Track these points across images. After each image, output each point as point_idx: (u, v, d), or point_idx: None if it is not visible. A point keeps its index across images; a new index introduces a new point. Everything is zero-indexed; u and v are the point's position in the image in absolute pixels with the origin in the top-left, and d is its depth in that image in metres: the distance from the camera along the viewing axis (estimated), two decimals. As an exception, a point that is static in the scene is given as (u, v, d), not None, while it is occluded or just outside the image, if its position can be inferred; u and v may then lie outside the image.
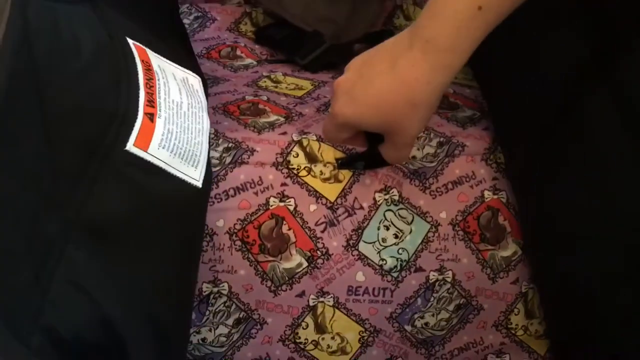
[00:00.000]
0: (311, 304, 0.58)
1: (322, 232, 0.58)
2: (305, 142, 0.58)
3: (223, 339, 0.57)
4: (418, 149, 0.60)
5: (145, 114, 0.46)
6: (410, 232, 0.59)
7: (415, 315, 0.61)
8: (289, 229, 0.57)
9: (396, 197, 0.60)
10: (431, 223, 0.60)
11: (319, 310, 0.59)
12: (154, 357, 0.48)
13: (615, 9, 0.56)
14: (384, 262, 0.59)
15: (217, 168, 0.56)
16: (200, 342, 0.57)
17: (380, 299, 0.60)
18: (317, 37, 0.74)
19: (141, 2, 0.60)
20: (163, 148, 0.47)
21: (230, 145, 0.57)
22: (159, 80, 0.50)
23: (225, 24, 0.80)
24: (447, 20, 0.49)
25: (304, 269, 0.58)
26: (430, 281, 0.60)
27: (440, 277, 0.60)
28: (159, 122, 0.47)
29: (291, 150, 0.58)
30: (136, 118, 0.46)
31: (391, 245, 0.59)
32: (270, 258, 0.57)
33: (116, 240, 0.46)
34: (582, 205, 0.56)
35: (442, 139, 0.61)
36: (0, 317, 0.42)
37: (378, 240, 0.59)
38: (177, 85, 0.52)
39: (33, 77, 0.46)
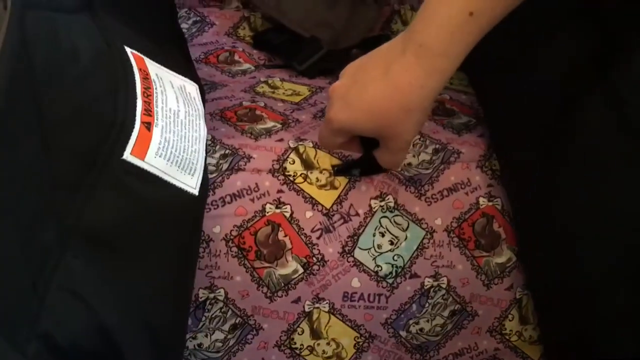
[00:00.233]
0: (307, 310, 0.59)
1: (318, 238, 0.58)
2: (301, 149, 0.59)
3: (219, 344, 0.58)
4: (414, 156, 0.61)
5: (143, 122, 0.46)
6: (406, 238, 0.60)
7: (410, 321, 0.61)
8: (285, 236, 0.58)
9: (392, 204, 0.60)
10: (426, 230, 0.60)
11: (315, 316, 0.59)
12: None
13: (610, 10, 0.56)
14: (380, 268, 0.60)
15: (214, 175, 0.57)
16: (197, 347, 0.57)
17: (375, 305, 0.60)
18: (315, 42, 0.74)
19: (140, 9, 0.60)
20: (160, 157, 0.47)
21: (227, 152, 0.57)
22: (156, 89, 0.50)
23: (223, 29, 0.80)
24: (440, 25, 0.49)
25: (299, 275, 0.58)
26: (425, 287, 0.61)
27: (435, 284, 0.61)
28: (156, 131, 0.47)
29: (287, 157, 0.58)
30: (133, 127, 0.46)
31: (386, 252, 0.60)
32: (266, 264, 0.57)
33: (113, 248, 0.47)
34: (582, 205, 0.56)
35: (437, 146, 0.61)
36: None
37: (373, 246, 0.60)
38: (174, 94, 0.52)
39: (31, 85, 0.46)
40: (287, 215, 0.58)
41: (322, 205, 0.59)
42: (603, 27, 0.56)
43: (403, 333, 0.61)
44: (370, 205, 0.59)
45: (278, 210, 0.58)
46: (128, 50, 0.50)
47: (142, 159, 0.46)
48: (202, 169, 0.50)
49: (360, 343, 0.61)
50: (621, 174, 0.54)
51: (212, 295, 0.57)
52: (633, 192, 0.54)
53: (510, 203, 0.62)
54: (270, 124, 0.61)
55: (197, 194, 0.49)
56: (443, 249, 0.61)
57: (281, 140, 0.58)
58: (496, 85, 0.63)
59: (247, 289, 0.57)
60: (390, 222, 0.60)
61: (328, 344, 0.60)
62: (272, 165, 0.58)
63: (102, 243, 0.46)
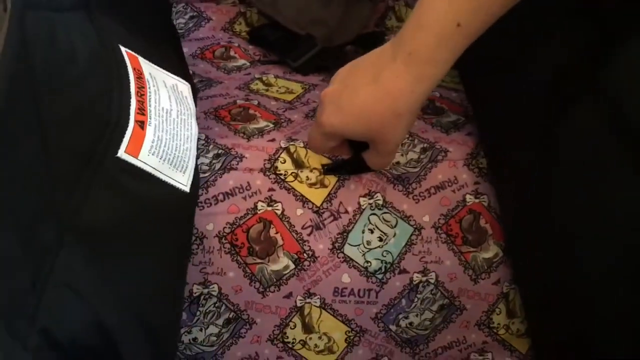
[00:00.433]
0: (298, 304, 0.61)
1: (309, 235, 0.60)
2: (292, 149, 0.60)
3: (213, 338, 0.59)
4: (402, 155, 0.62)
5: (136, 121, 0.48)
6: (394, 235, 0.62)
7: (400, 316, 0.63)
8: (277, 232, 0.59)
9: (380, 202, 0.62)
10: (414, 226, 0.62)
11: (306, 310, 0.61)
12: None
13: (609, 9, 0.57)
14: (369, 264, 0.61)
15: (207, 174, 0.59)
16: (192, 341, 0.59)
17: (365, 299, 0.62)
18: (309, 40, 0.75)
19: (135, 8, 0.62)
20: (153, 155, 0.49)
21: (220, 151, 0.59)
22: (149, 88, 0.51)
23: (220, 24, 0.82)
24: (429, 34, 0.51)
25: (291, 270, 0.60)
26: (414, 283, 0.62)
27: (424, 279, 0.62)
28: (149, 130, 0.49)
29: (279, 156, 0.60)
30: (127, 126, 0.48)
31: (376, 248, 0.61)
32: (259, 260, 0.59)
33: (110, 246, 0.48)
34: (580, 205, 0.57)
35: (425, 145, 0.63)
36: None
37: (363, 243, 0.61)
38: (167, 93, 0.54)
39: (31, 85, 0.48)
40: (279, 212, 0.59)
41: (312, 203, 0.60)
42: (602, 27, 0.57)
43: (393, 327, 0.63)
44: (359, 203, 0.61)
45: (269, 208, 0.59)
46: (123, 49, 0.52)
47: (136, 156, 0.47)
48: (193, 166, 0.52)
49: (351, 337, 0.62)
50: (619, 174, 0.55)
51: (206, 291, 0.58)
52: (631, 191, 0.55)
53: (506, 203, 0.63)
54: (262, 123, 0.63)
55: (188, 190, 0.51)
56: (431, 245, 0.62)
57: (273, 140, 0.60)
58: (494, 85, 0.65)
59: (240, 284, 0.59)
60: (379, 219, 0.62)
61: (320, 338, 0.62)
62: (264, 164, 0.60)
63: (99, 241, 0.48)
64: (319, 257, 0.60)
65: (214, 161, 0.59)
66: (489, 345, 0.65)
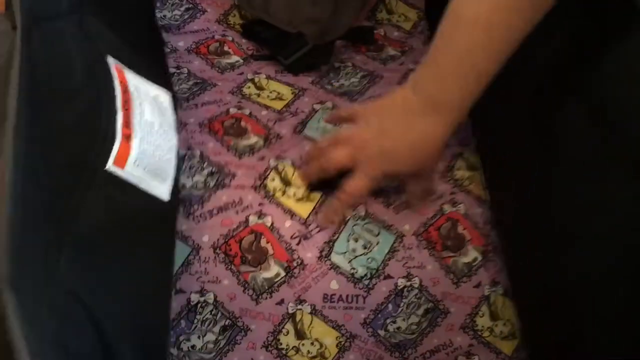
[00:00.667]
0: (290, 311, 0.64)
1: (297, 244, 0.65)
2: (281, 167, 0.66)
3: (211, 345, 0.63)
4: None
5: (123, 135, 0.52)
6: (378, 243, 0.66)
7: (388, 320, 0.66)
8: (267, 243, 0.64)
9: (362, 214, 0.66)
10: (396, 234, 0.66)
11: (298, 317, 0.64)
12: None
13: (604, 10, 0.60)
14: (355, 270, 0.65)
15: (202, 191, 0.64)
16: (190, 349, 0.62)
17: (353, 305, 0.65)
18: (300, 38, 0.78)
19: (122, 11, 0.65)
20: (137, 166, 0.53)
21: (213, 169, 0.64)
22: (134, 101, 0.55)
23: (214, 16, 0.85)
24: (454, 87, 0.58)
25: (281, 278, 0.64)
26: (399, 287, 0.66)
27: (408, 284, 0.66)
28: (135, 143, 0.53)
29: (268, 174, 0.65)
30: (115, 139, 0.51)
31: (361, 255, 0.66)
32: (251, 268, 0.63)
33: (102, 252, 0.51)
34: (580, 205, 0.60)
35: None
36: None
37: (348, 250, 0.66)
38: (150, 105, 0.57)
39: (34, 101, 0.50)
40: (268, 224, 0.64)
41: (300, 216, 0.65)
42: (601, 27, 0.59)
43: (381, 332, 0.66)
44: (343, 215, 0.66)
45: (260, 221, 0.64)
46: (110, 61, 0.55)
47: (122, 168, 0.51)
48: (173, 176, 0.56)
49: (342, 342, 0.65)
50: (617, 174, 0.57)
51: (202, 299, 0.62)
52: (630, 191, 0.56)
53: (506, 204, 0.67)
54: (253, 139, 0.68)
55: (167, 199, 0.55)
56: (413, 251, 0.66)
57: (263, 158, 0.66)
58: (492, 86, 0.66)
59: (234, 291, 0.63)
60: (362, 229, 0.66)
61: (312, 344, 0.65)
62: (254, 182, 0.65)
63: (93, 248, 0.50)
64: (307, 264, 0.64)
65: (208, 179, 0.64)
66: (474, 347, 0.68)
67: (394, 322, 0.66)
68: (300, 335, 0.64)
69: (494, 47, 0.57)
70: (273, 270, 0.64)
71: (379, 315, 0.66)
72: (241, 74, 0.77)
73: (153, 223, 0.55)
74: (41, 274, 0.45)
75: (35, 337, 0.39)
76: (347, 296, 0.65)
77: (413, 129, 0.59)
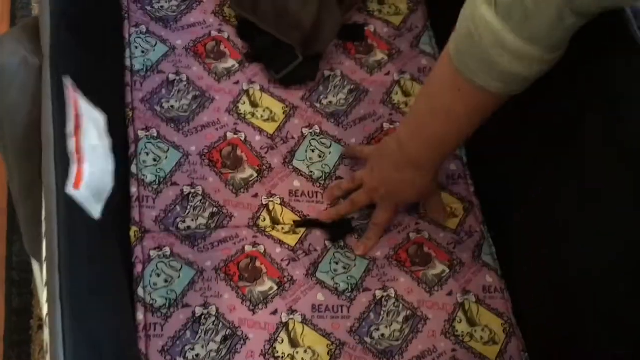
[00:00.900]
0: (284, 320, 0.72)
1: (287, 265, 0.75)
2: (271, 206, 0.79)
3: (214, 354, 0.70)
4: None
5: (76, 160, 0.54)
6: (355, 265, 0.77)
7: (372, 328, 0.73)
8: (261, 264, 0.75)
9: (342, 244, 0.78)
10: (369, 260, 0.77)
11: (291, 326, 0.72)
12: None
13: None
14: (338, 285, 0.75)
15: (204, 230, 0.77)
16: (195, 357, 0.69)
17: (339, 314, 0.73)
18: (291, 52, 0.84)
19: (95, 30, 0.70)
20: (87, 189, 0.55)
21: (214, 210, 0.78)
22: (82, 126, 0.56)
23: (210, 7, 0.90)
24: (429, 152, 0.74)
25: (275, 291, 0.73)
26: (377, 298, 0.74)
27: (385, 294, 0.75)
28: (86, 167, 0.55)
29: (260, 214, 0.79)
30: (72, 164, 0.53)
31: (341, 274, 0.76)
32: (248, 284, 0.73)
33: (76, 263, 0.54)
34: (583, 202, 0.65)
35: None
36: None
37: (331, 270, 0.76)
38: (94, 129, 0.59)
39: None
40: (262, 251, 0.76)
41: (288, 245, 0.77)
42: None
43: (368, 339, 0.72)
44: (325, 244, 0.78)
45: (254, 249, 0.76)
46: (67, 84, 0.55)
47: (77, 189, 0.54)
48: (107, 197, 0.60)
49: (333, 350, 0.72)
50: (620, 174, 0.61)
51: (206, 311, 0.71)
52: (631, 188, 0.60)
53: (515, 203, 0.77)
54: (248, 172, 0.80)
55: (98, 218, 0.58)
56: (385, 269, 0.77)
57: (256, 195, 0.79)
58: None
59: (233, 304, 0.72)
60: (342, 255, 0.77)
61: (305, 351, 0.71)
62: (248, 222, 0.78)
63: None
64: (297, 280, 0.74)
65: (209, 221, 0.77)
66: (458, 353, 0.73)
67: (378, 329, 0.73)
68: (294, 343, 0.71)
69: (460, 130, 0.71)
70: (267, 284, 0.74)
71: (363, 324, 0.73)
72: (237, 82, 0.86)
73: (86, 237, 0.57)
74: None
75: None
76: (333, 306, 0.74)
77: (405, 179, 0.75)
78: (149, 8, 0.89)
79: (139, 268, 0.73)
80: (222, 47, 0.88)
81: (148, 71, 0.85)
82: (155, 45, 0.87)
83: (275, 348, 0.71)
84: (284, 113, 0.85)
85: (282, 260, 0.76)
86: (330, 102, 0.86)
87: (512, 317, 0.75)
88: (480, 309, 0.75)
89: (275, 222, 0.79)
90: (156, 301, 0.71)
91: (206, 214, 0.78)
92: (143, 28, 0.87)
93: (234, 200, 0.79)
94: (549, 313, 0.72)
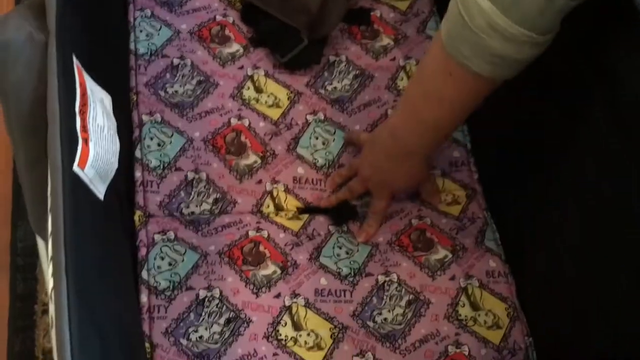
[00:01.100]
0: (287, 304, 0.72)
1: (290, 250, 0.76)
2: (275, 193, 0.79)
3: (217, 336, 0.70)
4: (359, 197, 0.81)
5: (83, 138, 0.53)
6: (358, 250, 0.77)
7: (374, 312, 0.73)
8: (265, 248, 0.75)
9: (345, 229, 0.78)
10: (372, 245, 0.77)
11: (294, 309, 0.72)
12: None
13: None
14: (341, 270, 0.75)
15: (207, 215, 0.77)
16: (198, 339, 0.69)
17: (342, 299, 0.74)
18: (296, 36, 0.84)
19: (99, 14, 0.69)
20: (92, 168, 0.55)
21: (218, 196, 0.78)
22: (90, 105, 0.56)
23: None
24: (423, 140, 0.73)
25: (278, 275, 0.74)
26: (380, 282, 0.75)
27: (387, 279, 0.75)
28: (91, 146, 0.55)
29: (264, 201, 0.79)
30: (78, 142, 0.53)
31: (344, 259, 0.76)
32: (251, 267, 0.74)
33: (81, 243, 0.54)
34: (586, 197, 0.66)
35: None
36: None
37: (334, 255, 0.76)
38: (100, 109, 0.59)
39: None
40: (265, 236, 0.76)
41: (292, 230, 0.77)
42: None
43: (370, 323, 0.73)
44: (329, 229, 0.78)
45: (258, 234, 0.76)
46: (75, 62, 0.56)
47: (83, 169, 0.54)
48: (112, 177, 0.59)
49: (336, 334, 0.72)
50: (619, 170, 0.62)
51: (209, 294, 0.72)
52: (631, 184, 0.61)
53: (512, 193, 0.77)
54: (252, 158, 0.80)
55: (102, 199, 0.58)
56: (388, 254, 0.77)
57: (260, 182, 0.79)
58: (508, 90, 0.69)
59: (237, 286, 0.72)
60: (345, 240, 0.77)
61: (308, 335, 0.71)
62: (252, 208, 0.78)
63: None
64: (300, 264, 0.75)
65: (213, 207, 0.78)
66: (461, 337, 0.73)
67: (380, 313, 0.73)
68: (297, 326, 0.72)
69: (453, 116, 0.71)
70: (270, 268, 0.74)
71: (366, 308, 0.73)
72: (241, 67, 0.85)
73: (91, 218, 0.56)
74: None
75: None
76: (336, 291, 0.74)
77: (397, 168, 0.75)
78: (153, -8, 0.89)
79: (143, 251, 0.73)
80: (226, 32, 0.88)
81: (152, 55, 0.85)
82: (159, 29, 0.87)
83: (278, 331, 0.71)
84: (288, 99, 0.85)
85: (285, 244, 0.76)
86: (335, 87, 0.86)
87: (516, 301, 0.76)
88: (484, 294, 0.76)
89: (278, 208, 0.79)
90: (160, 284, 0.72)
91: (210, 200, 0.78)
92: (148, 12, 0.87)
93: (238, 187, 0.79)
94: (553, 298, 0.73)
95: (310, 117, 0.84)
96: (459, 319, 0.74)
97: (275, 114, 0.84)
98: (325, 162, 0.82)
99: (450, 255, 0.77)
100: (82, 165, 0.54)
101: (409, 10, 0.92)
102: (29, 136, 0.56)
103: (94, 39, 0.69)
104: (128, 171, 0.77)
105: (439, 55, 0.64)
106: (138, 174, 0.77)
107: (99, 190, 0.59)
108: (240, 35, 0.88)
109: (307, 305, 0.73)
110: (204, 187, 0.78)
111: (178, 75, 0.84)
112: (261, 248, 0.75)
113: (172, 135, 0.80)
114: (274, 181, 0.80)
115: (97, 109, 0.59)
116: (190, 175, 0.79)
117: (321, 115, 0.84)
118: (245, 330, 0.71)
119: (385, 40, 0.90)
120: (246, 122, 0.83)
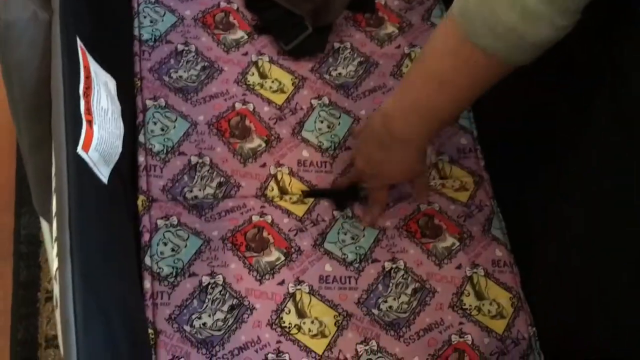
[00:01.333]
0: (290, 291, 0.72)
1: (294, 235, 0.75)
2: (279, 176, 0.78)
3: (220, 323, 0.69)
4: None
5: (87, 121, 0.53)
6: (364, 235, 0.76)
7: (380, 300, 0.73)
8: (268, 234, 0.74)
9: (350, 214, 0.77)
10: (379, 229, 0.76)
11: (298, 296, 0.72)
12: None
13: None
14: (346, 256, 0.74)
15: (211, 199, 0.76)
16: (202, 326, 0.69)
17: (347, 286, 0.73)
18: (301, 23, 0.84)
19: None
20: (96, 151, 0.55)
21: (222, 179, 0.77)
22: (94, 87, 0.56)
23: None
24: (414, 127, 0.70)
25: (282, 261, 0.73)
26: (386, 269, 0.74)
27: (394, 266, 0.74)
28: (95, 129, 0.55)
29: (268, 184, 0.78)
30: (82, 124, 0.53)
31: (350, 244, 0.75)
32: (255, 254, 0.73)
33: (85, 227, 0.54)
34: (591, 190, 0.65)
35: None
36: None
37: (339, 240, 0.75)
38: (105, 92, 0.58)
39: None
40: (269, 221, 0.75)
41: (296, 215, 0.76)
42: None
43: (375, 311, 0.72)
44: (333, 214, 0.77)
45: (262, 219, 0.76)
46: (79, 43, 0.56)
47: (87, 152, 0.54)
48: (116, 161, 0.59)
49: (340, 321, 0.71)
50: (621, 165, 0.61)
51: (212, 280, 0.71)
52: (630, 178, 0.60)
53: (518, 183, 0.76)
54: (256, 142, 0.79)
55: (106, 183, 0.58)
56: (395, 240, 0.76)
57: (264, 165, 0.78)
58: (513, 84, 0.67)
59: (240, 273, 0.72)
60: (350, 225, 0.77)
61: (312, 322, 0.71)
62: (256, 192, 0.78)
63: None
64: (304, 251, 0.74)
65: (217, 191, 0.77)
66: (465, 326, 0.72)
67: (385, 301, 0.73)
68: (301, 314, 0.71)
69: (453, 100, 0.68)
70: (274, 255, 0.73)
71: (371, 295, 0.73)
72: (245, 54, 0.85)
73: (95, 202, 0.56)
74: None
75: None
76: (341, 277, 0.73)
77: (389, 159, 0.73)
78: (157, -23, 0.88)
79: (146, 237, 0.73)
80: (230, 18, 0.88)
81: (156, 41, 0.84)
82: (164, 15, 0.86)
83: (282, 318, 0.71)
84: (293, 84, 0.84)
85: (289, 230, 0.75)
86: (340, 73, 0.85)
87: (521, 291, 0.75)
88: (489, 283, 0.75)
89: (283, 192, 0.78)
90: (163, 270, 0.71)
91: (214, 184, 0.77)
92: None
93: (242, 170, 0.78)
94: (558, 288, 0.72)
95: (315, 102, 0.83)
96: (463, 308, 0.73)
97: (279, 99, 0.83)
98: (331, 144, 0.81)
99: (457, 244, 0.76)
100: (86, 148, 0.53)
101: None
102: (33, 117, 0.55)
103: (98, 24, 0.68)
104: (131, 157, 0.76)
105: (449, 34, 0.62)
106: (141, 158, 0.77)
107: (103, 174, 0.58)
108: (245, 22, 0.88)
109: (312, 292, 0.72)
110: (208, 171, 0.78)
111: (182, 60, 0.83)
112: (265, 234, 0.75)
113: (175, 119, 0.80)
114: (279, 164, 0.79)
115: (101, 92, 0.58)
116: (194, 160, 0.78)
117: (326, 100, 0.84)
118: (248, 317, 0.70)
119: (390, 28, 0.89)
120: (251, 107, 0.82)
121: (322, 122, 0.82)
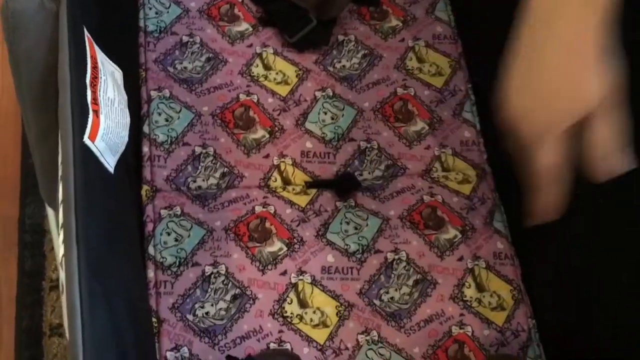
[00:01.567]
0: (293, 281, 0.72)
1: (297, 226, 0.75)
2: (282, 167, 0.79)
3: (223, 312, 0.70)
4: (369, 173, 0.80)
5: (93, 111, 0.54)
6: (367, 225, 0.76)
7: (381, 291, 0.73)
8: (271, 225, 0.75)
9: (353, 204, 0.78)
10: (382, 219, 0.77)
11: (300, 287, 0.72)
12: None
13: None
14: (348, 246, 0.75)
15: (214, 190, 0.77)
16: (205, 315, 0.70)
17: (349, 276, 0.73)
18: (305, 16, 0.84)
19: None
20: (102, 140, 0.55)
21: (225, 170, 0.78)
22: (101, 77, 0.56)
23: None
24: None
25: (284, 252, 0.74)
26: (389, 260, 0.74)
27: (396, 257, 0.75)
28: (102, 118, 0.55)
29: (271, 175, 0.79)
30: (88, 114, 0.53)
31: (352, 234, 0.76)
32: (257, 244, 0.73)
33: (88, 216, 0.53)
34: (590, 189, 0.63)
35: (389, 162, 0.81)
36: None
37: (341, 231, 0.76)
38: (111, 82, 0.59)
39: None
40: (272, 212, 0.76)
41: (299, 205, 0.77)
42: None
43: (377, 302, 0.73)
44: (336, 205, 0.77)
45: (264, 209, 0.76)
46: (86, 33, 0.56)
47: (93, 142, 0.54)
48: (122, 151, 0.60)
49: (341, 311, 0.72)
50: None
51: (215, 270, 0.72)
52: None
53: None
54: (260, 132, 0.80)
55: (112, 172, 0.58)
56: (398, 230, 0.76)
57: (267, 156, 0.79)
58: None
59: (243, 263, 0.72)
60: (353, 215, 0.77)
61: (314, 312, 0.71)
62: (259, 183, 0.78)
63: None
64: (306, 241, 0.74)
65: (220, 181, 0.78)
66: (466, 317, 0.73)
67: (387, 292, 0.73)
68: (303, 304, 0.72)
69: None
70: (276, 245, 0.74)
71: (373, 286, 0.73)
72: (250, 46, 0.86)
73: (101, 191, 0.56)
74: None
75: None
76: (343, 268, 0.74)
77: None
78: (162, -31, 0.88)
79: (149, 227, 0.73)
80: (235, 11, 0.88)
81: (162, 32, 0.85)
82: (168, 7, 0.86)
83: (284, 308, 0.71)
84: (297, 76, 0.84)
85: (292, 221, 0.76)
86: (344, 66, 0.86)
87: (521, 284, 0.75)
88: (490, 275, 0.75)
89: (286, 182, 0.79)
90: (166, 259, 0.72)
91: (217, 174, 0.78)
92: None
93: (245, 161, 0.79)
94: (557, 288, 0.72)
95: (318, 94, 0.84)
96: (463, 300, 0.74)
97: (283, 90, 0.83)
98: (335, 135, 0.81)
99: (459, 236, 0.77)
100: (92, 137, 0.54)
101: None
102: (40, 107, 0.56)
103: (104, 15, 0.69)
104: (136, 147, 0.76)
105: None
106: (145, 149, 0.77)
107: (110, 164, 0.59)
108: (249, 14, 0.88)
109: (314, 282, 0.73)
110: (211, 161, 0.78)
111: (187, 52, 0.84)
112: (267, 224, 0.75)
113: (180, 110, 0.80)
114: (282, 155, 0.80)
115: (108, 82, 0.58)
116: (198, 150, 0.78)
117: (330, 92, 0.84)
118: (251, 307, 0.71)
119: (394, 22, 0.89)
120: (255, 98, 0.82)
121: (325, 113, 0.82)
